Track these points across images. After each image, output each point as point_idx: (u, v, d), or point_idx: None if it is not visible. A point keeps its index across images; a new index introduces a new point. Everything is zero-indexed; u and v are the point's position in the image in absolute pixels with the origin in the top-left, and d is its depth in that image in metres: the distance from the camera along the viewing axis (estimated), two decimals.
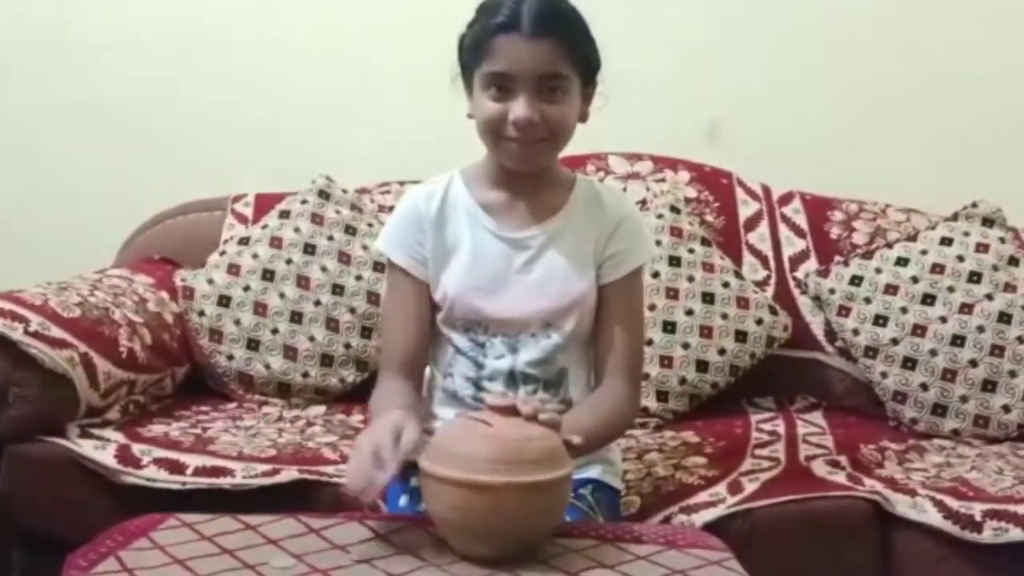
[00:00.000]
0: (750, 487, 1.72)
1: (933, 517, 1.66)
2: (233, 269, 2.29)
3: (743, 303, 2.25)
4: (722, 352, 2.20)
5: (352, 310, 2.27)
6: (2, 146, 2.80)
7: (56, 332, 1.88)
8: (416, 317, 1.55)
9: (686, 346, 2.19)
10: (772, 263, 2.39)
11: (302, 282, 2.28)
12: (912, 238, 2.32)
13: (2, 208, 2.79)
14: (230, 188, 2.53)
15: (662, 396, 2.16)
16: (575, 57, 1.46)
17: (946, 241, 2.28)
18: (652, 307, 2.19)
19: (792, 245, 2.40)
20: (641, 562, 1.24)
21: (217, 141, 2.71)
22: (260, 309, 2.26)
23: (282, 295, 2.26)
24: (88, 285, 2.11)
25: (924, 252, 2.28)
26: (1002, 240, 2.28)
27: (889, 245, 2.33)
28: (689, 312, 2.22)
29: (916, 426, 2.16)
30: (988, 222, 2.31)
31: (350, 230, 2.35)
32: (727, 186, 2.47)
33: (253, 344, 2.23)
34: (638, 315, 1.60)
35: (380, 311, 2.21)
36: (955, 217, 2.34)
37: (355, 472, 1.23)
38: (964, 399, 2.14)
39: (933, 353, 2.17)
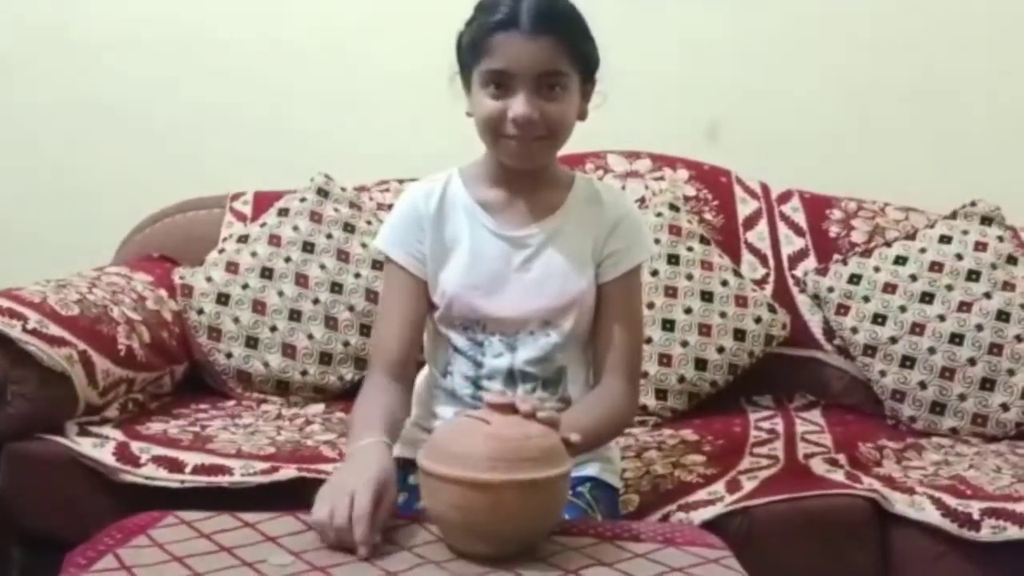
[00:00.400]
0: (749, 485, 1.72)
1: (931, 515, 1.66)
2: (232, 267, 2.29)
3: (742, 301, 2.25)
4: (721, 350, 2.20)
5: (351, 308, 2.27)
6: (2, 146, 2.80)
7: (54, 330, 1.87)
8: (412, 317, 1.54)
9: (685, 344, 2.19)
10: (771, 261, 2.39)
11: (301, 280, 2.28)
12: (911, 236, 2.33)
13: (2, 208, 2.79)
14: (229, 188, 2.53)
15: (661, 394, 2.16)
16: (574, 54, 1.46)
17: (945, 239, 2.29)
18: (651, 305, 2.20)
19: (791, 243, 2.41)
20: (639, 560, 1.24)
21: (217, 141, 2.71)
22: (259, 307, 2.26)
23: (281, 293, 2.26)
24: (87, 283, 2.11)
25: (923, 250, 2.28)
26: (1000, 239, 2.28)
27: (888, 243, 2.33)
28: (688, 310, 2.22)
29: (914, 424, 2.16)
30: (987, 220, 2.31)
31: (349, 228, 2.35)
32: (726, 184, 2.47)
33: (252, 342, 2.23)
34: (637, 313, 1.60)
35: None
36: (954, 216, 2.34)
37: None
38: (962, 397, 2.14)
39: (932, 351, 2.17)
